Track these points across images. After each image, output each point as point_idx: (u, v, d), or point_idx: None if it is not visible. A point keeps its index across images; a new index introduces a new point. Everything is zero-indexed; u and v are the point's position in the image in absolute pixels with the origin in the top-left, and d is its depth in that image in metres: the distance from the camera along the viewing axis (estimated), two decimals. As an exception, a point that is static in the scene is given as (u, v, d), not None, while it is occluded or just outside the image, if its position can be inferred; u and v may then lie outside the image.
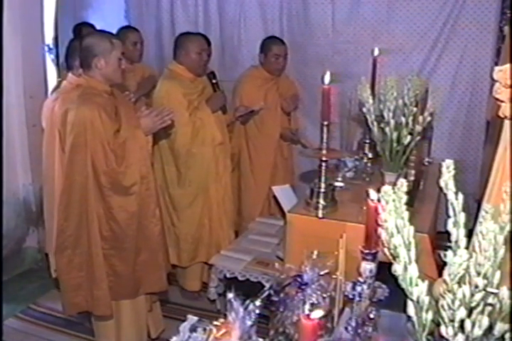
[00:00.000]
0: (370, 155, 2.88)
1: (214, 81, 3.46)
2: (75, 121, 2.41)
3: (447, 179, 1.08)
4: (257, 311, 1.32)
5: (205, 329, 1.40)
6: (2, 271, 3.03)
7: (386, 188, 1.12)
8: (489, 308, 1.00)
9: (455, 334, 0.99)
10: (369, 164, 2.84)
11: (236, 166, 3.97)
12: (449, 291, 0.98)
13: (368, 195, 1.39)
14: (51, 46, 4.58)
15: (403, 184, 1.13)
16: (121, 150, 2.49)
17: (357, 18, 4.12)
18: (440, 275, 1.05)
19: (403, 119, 2.13)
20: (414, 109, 2.15)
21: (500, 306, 1.00)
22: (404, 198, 1.11)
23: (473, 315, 0.98)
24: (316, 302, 1.51)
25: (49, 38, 4.50)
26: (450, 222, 1.04)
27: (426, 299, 1.02)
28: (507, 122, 1.37)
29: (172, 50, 3.46)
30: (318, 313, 1.09)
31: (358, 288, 1.53)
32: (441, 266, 1.05)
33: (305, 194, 2.33)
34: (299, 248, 1.94)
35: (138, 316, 2.83)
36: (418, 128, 2.12)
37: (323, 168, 2.23)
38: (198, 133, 3.32)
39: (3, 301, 3.23)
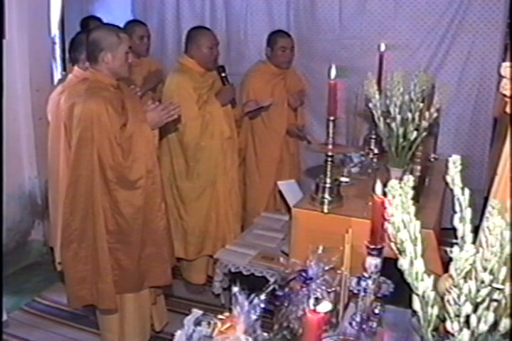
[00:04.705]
0: (376, 151, 2.89)
1: (223, 74, 3.47)
2: (81, 115, 2.41)
3: (453, 174, 1.07)
4: (262, 305, 1.32)
5: (209, 323, 1.40)
6: (2, 268, 3.04)
7: (393, 183, 1.12)
8: (495, 304, 1.00)
9: (460, 330, 0.99)
10: (375, 159, 2.84)
11: (242, 161, 3.97)
12: (455, 286, 0.98)
13: (373, 188, 1.39)
14: (57, 39, 4.58)
15: (410, 179, 1.13)
16: (127, 144, 2.49)
17: (364, 14, 4.10)
18: (445, 271, 1.05)
19: (409, 115, 2.12)
20: (421, 104, 2.15)
21: (505, 302, 1.00)
22: (411, 193, 1.11)
23: (479, 311, 0.98)
24: (320, 297, 1.51)
25: (55, 32, 4.50)
26: (456, 217, 1.04)
27: (431, 294, 1.02)
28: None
29: (176, 44, 3.46)
30: (324, 306, 1.08)
31: (363, 283, 1.53)
32: (446, 262, 1.05)
33: (310, 189, 2.33)
34: (304, 243, 1.95)
35: (142, 309, 2.84)
36: (424, 123, 2.12)
37: (329, 163, 2.23)
38: (207, 127, 3.33)
39: (9, 294, 3.26)
